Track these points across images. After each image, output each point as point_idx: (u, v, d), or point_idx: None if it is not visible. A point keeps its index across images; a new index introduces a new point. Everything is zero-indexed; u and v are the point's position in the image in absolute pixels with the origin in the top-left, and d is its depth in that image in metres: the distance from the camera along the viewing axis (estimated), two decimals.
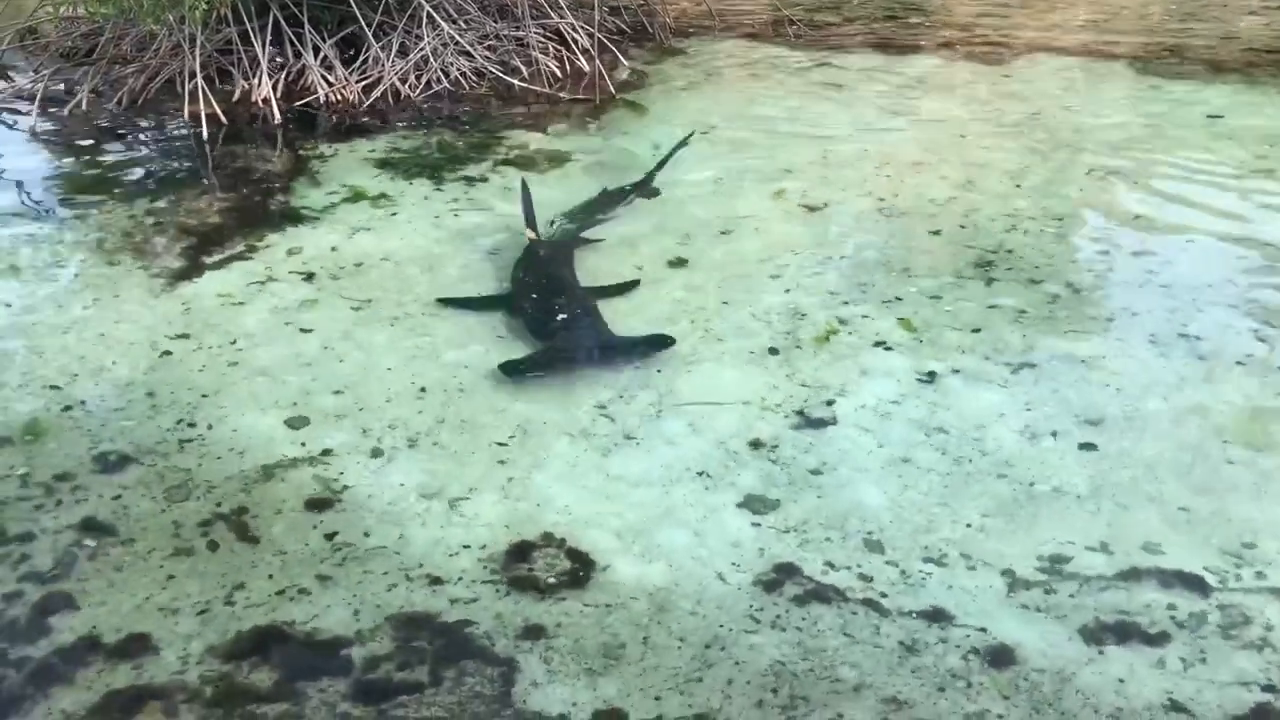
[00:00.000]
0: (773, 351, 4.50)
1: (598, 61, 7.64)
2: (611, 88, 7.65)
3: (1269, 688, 2.90)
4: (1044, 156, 6.62)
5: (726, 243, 5.48)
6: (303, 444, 3.87)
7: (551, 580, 3.29)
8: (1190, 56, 8.58)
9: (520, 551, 3.40)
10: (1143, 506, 3.61)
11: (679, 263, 5.23)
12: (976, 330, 4.64)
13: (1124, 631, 3.11)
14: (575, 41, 7.94)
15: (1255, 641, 3.07)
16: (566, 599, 3.22)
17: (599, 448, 3.88)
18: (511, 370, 4.24)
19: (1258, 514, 3.58)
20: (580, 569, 3.34)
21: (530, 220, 5.29)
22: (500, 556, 3.37)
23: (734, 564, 3.36)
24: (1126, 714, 2.84)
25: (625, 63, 8.17)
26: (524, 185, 5.50)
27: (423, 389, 4.21)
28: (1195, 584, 3.27)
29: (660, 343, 4.45)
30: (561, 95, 7.63)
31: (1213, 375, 4.32)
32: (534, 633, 3.09)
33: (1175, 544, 3.45)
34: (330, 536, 3.44)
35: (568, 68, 7.85)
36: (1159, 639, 3.08)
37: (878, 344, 4.55)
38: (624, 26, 8.94)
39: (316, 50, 7.40)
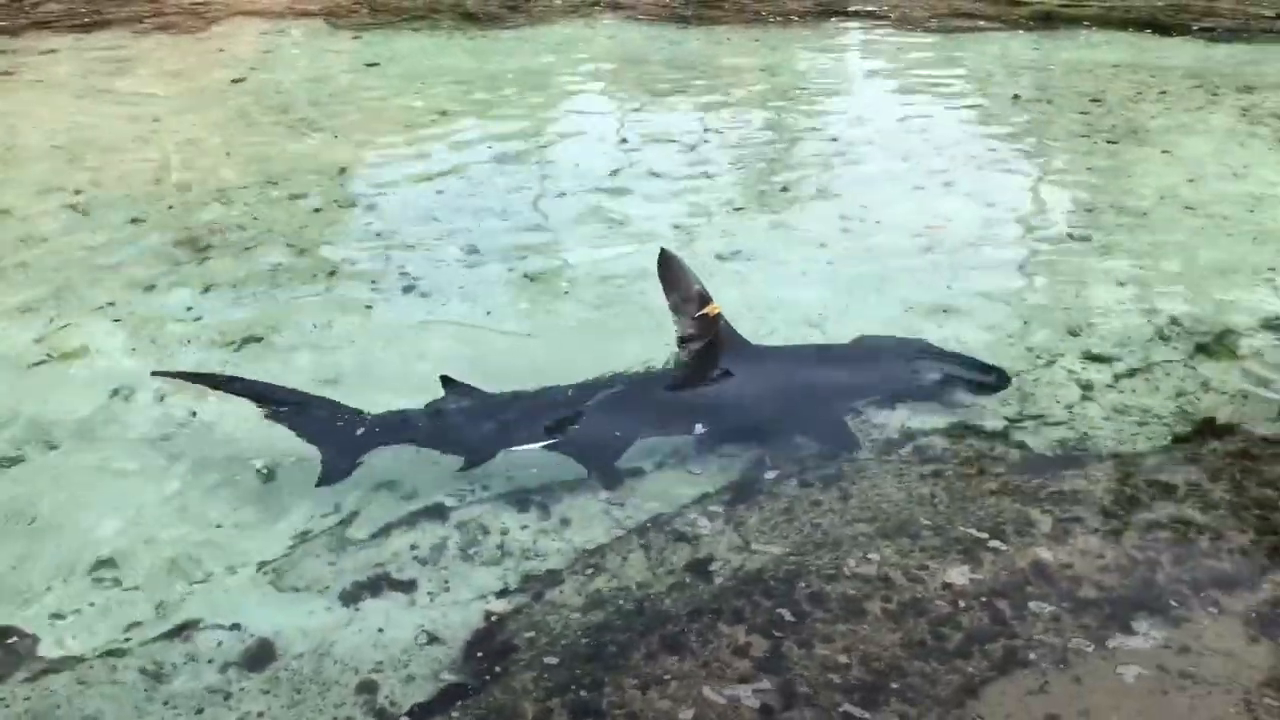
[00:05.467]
0: None
1: None
2: None
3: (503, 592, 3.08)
4: (250, 122, 6.47)
5: None
6: None
7: None
8: (380, 7, 9.02)
9: None
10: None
11: None
12: (199, 318, 4.36)
13: (377, 584, 3.11)
14: None
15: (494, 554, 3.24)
16: None
17: None
18: None
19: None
20: None
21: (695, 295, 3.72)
22: None
23: None
24: (388, 663, 2.84)
25: None
26: (665, 256, 3.77)
27: None
28: (436, 512, 3.36)
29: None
30: None
31: (432, 313, 4.45)
32: None
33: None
34: None
35: None
36: (408, 583, 3.12)
37: (87, 355, 4.08)
38: None
39: None
